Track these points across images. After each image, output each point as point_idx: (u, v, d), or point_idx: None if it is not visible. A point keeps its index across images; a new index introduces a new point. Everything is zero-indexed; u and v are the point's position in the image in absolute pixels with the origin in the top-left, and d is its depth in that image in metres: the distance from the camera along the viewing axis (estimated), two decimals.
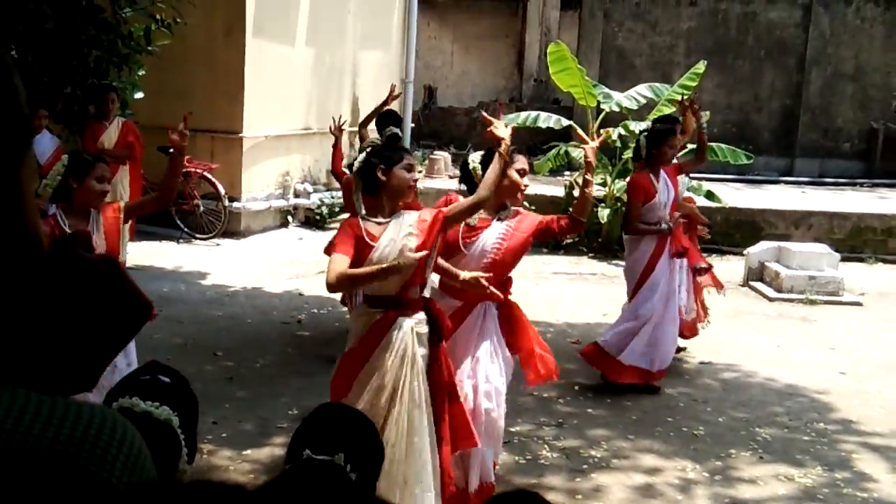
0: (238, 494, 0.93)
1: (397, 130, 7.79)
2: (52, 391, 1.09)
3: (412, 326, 4.14)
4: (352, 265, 3.99)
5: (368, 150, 4.38)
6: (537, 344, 4.93)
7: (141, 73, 8.97)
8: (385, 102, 8.36)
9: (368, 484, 2.31)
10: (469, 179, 4.69)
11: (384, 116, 8.11)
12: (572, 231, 5.01)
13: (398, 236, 4.08)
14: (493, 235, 4.75)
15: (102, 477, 1.01)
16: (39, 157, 8.51)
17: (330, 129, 7.74)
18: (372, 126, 8.25)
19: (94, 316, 1.24)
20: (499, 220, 4.78)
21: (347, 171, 7.36)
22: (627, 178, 6.92)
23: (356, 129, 14.53)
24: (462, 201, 4.35)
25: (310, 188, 13.00)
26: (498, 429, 4.77)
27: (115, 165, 8.85)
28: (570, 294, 9.71)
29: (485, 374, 4.70)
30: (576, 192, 12.38)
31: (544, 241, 12.26)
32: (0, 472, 0.97)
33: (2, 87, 1.07)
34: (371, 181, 4.17)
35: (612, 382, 6.77)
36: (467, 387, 4.65)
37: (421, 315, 4.18)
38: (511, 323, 4.86)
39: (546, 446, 5.72)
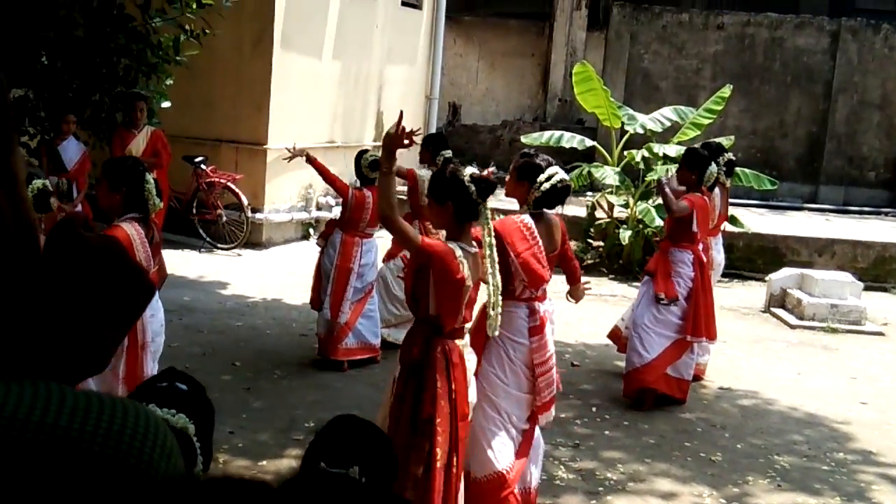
0: (264, 490, 0.93)
1: (450, 153, 7.91)
2: (62, 376, 1.09)
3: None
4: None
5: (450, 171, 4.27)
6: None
7: (169, 82, 9.03)
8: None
9: (382, 496, 2.30)
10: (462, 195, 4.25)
11: (435, 139, 8.18)
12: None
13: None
14: None
15: (141, 468, 1.02)
16: (67, 162, 8.59)
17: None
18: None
19: (97, 296, 1.24)
20: None
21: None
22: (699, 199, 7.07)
23: (379, 143, 14.59)
24: None
25: (332, 201, 13.04)
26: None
27: None
28: (589, 315, 9.66)
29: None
30: (598, 213, 12.38)
31: None
32: (37, 466, 0.98)
33: None
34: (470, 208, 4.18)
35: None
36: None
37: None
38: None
39: (562, 467, 5.69)
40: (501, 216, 4.87)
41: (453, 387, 4.15)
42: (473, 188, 4.14)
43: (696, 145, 7.63)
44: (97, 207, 8.79)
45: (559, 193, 4.88)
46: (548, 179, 4.81)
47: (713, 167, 7.07)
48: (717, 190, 7.66)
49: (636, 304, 7.19)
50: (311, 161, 7.57)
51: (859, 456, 6.27)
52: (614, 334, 7.72)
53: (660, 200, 11.54)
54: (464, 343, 4.29)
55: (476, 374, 4.60)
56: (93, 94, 8.89)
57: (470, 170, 4.29)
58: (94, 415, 1.02)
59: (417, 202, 7.23)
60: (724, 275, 11.96)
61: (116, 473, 1.01)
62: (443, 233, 4.27)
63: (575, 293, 5.38)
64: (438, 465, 4.09)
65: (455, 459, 4.17)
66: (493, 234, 4.29)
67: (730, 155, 7.93)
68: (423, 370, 4.14)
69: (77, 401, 1.03)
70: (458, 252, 4.06)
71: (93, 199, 8.93)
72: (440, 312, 4.13)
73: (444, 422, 4.12)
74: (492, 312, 4.30)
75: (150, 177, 4.76)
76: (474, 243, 4.23)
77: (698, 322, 6.93)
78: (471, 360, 4.37)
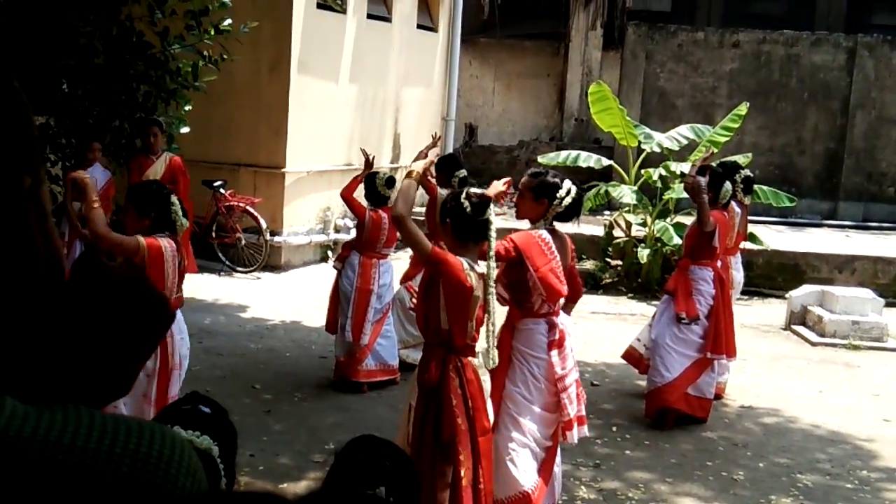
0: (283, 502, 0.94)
1: (465, 173, 7.93)
2: (88, 401, 1.12)
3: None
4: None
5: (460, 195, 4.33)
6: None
7: (188, 108, 9.12)
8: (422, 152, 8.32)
9: None
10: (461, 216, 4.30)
11: (449, 161, 8.17)
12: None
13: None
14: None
15: (167, 489, 1.04)
16: None
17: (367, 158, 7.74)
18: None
19: (120, 323, 1.27)
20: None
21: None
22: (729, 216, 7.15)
23: (396, 165, 14.65)
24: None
25: (350, 223, 13.09)
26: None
27: None
28: (608, 334, 9.65)
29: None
30: (616, 232, 12.37)
31: (583, 281, 12.23)
32: (67, 487, 1.01)
33: (14, 107, 1.10)
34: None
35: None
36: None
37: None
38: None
39: (583, 487, 5.67)
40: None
41: (470, 403, 4.17)
42: (468, 205, 4.20)
43: (713, 163, 7.64)
44: (121, 232, 8.89)
45: (578, 206, 4.92)
46: (567, 193, 4.83)
47: (728, 185, 7.09)
48: (737, 208, 7.66)
49: (655, 323, 7.17)
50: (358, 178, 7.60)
51: (883, 474, 6.21)
52: (629, 354, 7.69)
53: (679, 218, 11.56)
54: (478, 363, 4.31)
55: (499, 395, 4.61)
56: (113, 120, 8.98)
57: (474, 190, 4.35)
58: (122, 438, 1.05)
59: (434, 218, 7.25)
60: (743, 292, 11.90)
61: (143, 494, 1.03)
62: None
63: (568, 310, 5.36)
64: (464, 483, 4.10)
65: (480, 476, 4.18)
66: (494, 253, 4.31)
67: (747, 172, 7.91)
68: (441, 391, 4.15)
69: (105, 424, 1.06)
70: (465, 265, 4.11)
71: (116, 225, 9.02)
72: (451, 326, 4.16)
73: (465, 440, 4.12)
74: (486, 343, 4.32)
75: (175, 198, 4.84)
76: (481, 263, 4.25)
77: (718, 339, 6.91)
78: (485, 379, 4.39)
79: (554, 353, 4.75)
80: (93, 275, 1.30)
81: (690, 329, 6.88)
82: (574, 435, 4.80)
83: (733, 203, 7.52)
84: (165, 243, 4.71)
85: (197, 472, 1.09)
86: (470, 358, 4.26)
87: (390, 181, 7.47)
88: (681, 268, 7.14)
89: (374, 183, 7.45)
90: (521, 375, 4.74)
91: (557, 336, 4.78)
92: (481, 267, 4.23)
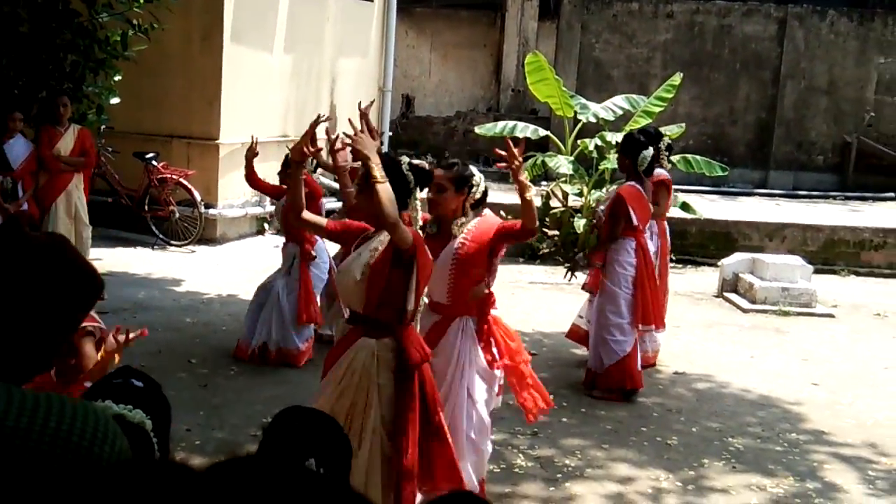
0: (191, 474, 0.92)
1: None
2: (10, 374, 1.09)
3: (374, 350, 4.04)
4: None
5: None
6: (528, 374, 4.97)
7: (117, 78, 8.92)
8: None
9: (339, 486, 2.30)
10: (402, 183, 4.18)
11: None
12: (526, 237, 4.92)
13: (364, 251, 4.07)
14: (450, 251, 4.70)
15: (90, 466, 1.03)
16: (13, 161, 8.42)
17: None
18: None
19: (42, 293, 1.23)
20: (453, 236, 4.73)
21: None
22: (622, 187, 7.04)
23: (334, 136, 14.55)
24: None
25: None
26: (482, 451, 4.80)
27: (70, 173, 8.70)
28: (546, 304, 9.73)
29: (465, 392, 4.70)
30: (553, 202, 12.44)
31: (520, 251, 12.30)
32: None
33: None
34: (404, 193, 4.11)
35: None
36: (450, 407, 4.63)
37: (388, 341, 4.06)
38: (489, 339, 4.84)
39: (521, 455, 5.73)
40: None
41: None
42: (412, 176, 4.14)
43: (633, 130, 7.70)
44: (42, 207, 8.69)
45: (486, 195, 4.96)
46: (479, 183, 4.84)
47: (648, 151, 7.01)
48: (665, 174, 7.69)
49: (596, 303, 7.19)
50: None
51: (811, 436, 6.38)
52: (574, 332, 7.71)
53: (614, 188, 11.66)
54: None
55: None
56: (39, 91, 8.75)
57: (406, 159, 4.29)
58: (42, 415, 1.03)
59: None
60: (677, 260, 12.12)
61: (65, 471, 1.01)
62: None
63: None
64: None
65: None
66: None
67: (668, 139, 7.90)
68: (422, 369, 4.13)
69: (25, 401, 1.04)
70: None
71: (38, 199, 8.81)
72: (416, 304, 4.14)
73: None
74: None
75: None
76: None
77: (646, 310, 6.99)
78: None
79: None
80: (13, 243, 1.26)
81: (621, 303, 6.92)
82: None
83: (660, 170, 7.55)
84: None
85: (122, 450, 1.08)
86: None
87: (317, 166, 7.51)
88: (602, 241, 7.20)
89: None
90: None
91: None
92: None
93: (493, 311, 4.95)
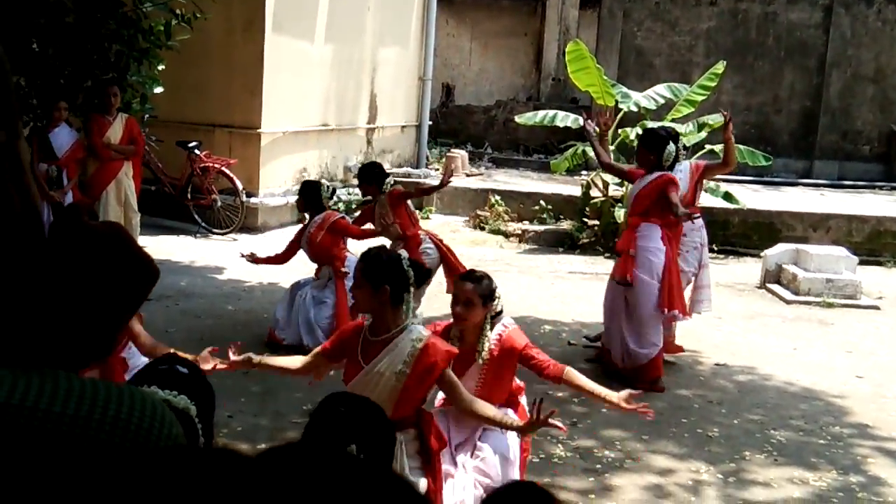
0: (243, 461, 0.93)
1: (393, 181, 7.90)
2: (67, 362, 1.11)
3: (401, 440, 3.89)
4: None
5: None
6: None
7: (161, 67, 9.01)
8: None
9: (387, 466, 2.32)
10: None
11: (374, 169, 7.88)
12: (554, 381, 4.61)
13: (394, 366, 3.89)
14: (474, 374, 4.49)
15: (151, 446, 1.05)
16: (58, 149, 8.57)
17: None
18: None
19: (102, 282, 1.25)
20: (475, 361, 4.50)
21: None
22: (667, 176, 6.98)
23: (373, 125, 14.60)
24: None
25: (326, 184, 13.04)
26: None
27: (120, 160, 8.88)
28: (585, 293, 9.69)
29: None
30: (593, 192, 12.38)
31: (559, 241, 12.26)
32: (45, 453, 1.00)
33: None
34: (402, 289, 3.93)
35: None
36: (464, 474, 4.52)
37: (413, 431, 3.99)
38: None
39: (560, 445, 5.72)
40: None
41: None
42: (411, 273, 3.95)
43: (653, 126, 7.67)
44: (93, 195, 8.83)
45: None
46: None
47: (671, 147, 6.97)
48: (689, 166, 7.67)
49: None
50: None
51: (855, 429, 6.31)
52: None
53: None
54: None
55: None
56: (84, 80, 8.86)
57: (405, 254, 4.16)
58: (101, 403, 1.04)
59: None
60: (719, 251, 12.02)
61: (121, 458, 1.03)
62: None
63: None
64: None
65: None
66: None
67: (683, 141, 7.89)
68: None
69: (84, 389, 1.05)
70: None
71: (83, 186, 8.95)
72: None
73: None
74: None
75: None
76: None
77: (672, 296, 6.97)
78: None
79: None
80: (74, 232, 1.28)
81: (650, 292, 6.89)
82: None
83: (688, 162, 7.58)
84: None
85: (177, 435, 1.09)
86: None
87: (333, 192, 7.64)
88: (631, 226, 7.12)
89: (319, 192, 7.45)
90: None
91: None
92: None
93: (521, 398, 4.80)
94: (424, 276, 4.26)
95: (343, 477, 0.88)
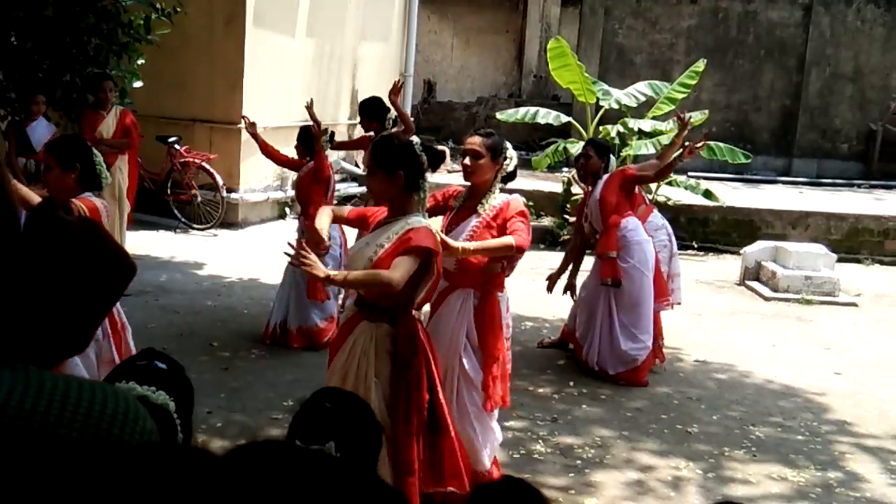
0: (205, 459, 0.91)
1: (395, 114, 7.93)
2: (43, 357, 1.09)
3: (373, 335, 3.95)
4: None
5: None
6: (505, 362, 4.87)
7: (140, 61, 8.95)
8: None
9: (364, 467, 2.30)
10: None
11: (376, 104, 8.06)
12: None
13: (373, 240, 3.98)
14: (467, 226, 4.70)
15: (118, 444, 1.03)
16: (36, 143, 8.49)
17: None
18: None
19: (77, 277, 1.23)
20: (476, 213, 4.72)
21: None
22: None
23: (356, 121, 14.56)
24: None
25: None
26: (490, 429, 4.80)
27: (114, 154, 8.82)
28: None
29: (464, 373, 4.69)
30: (574, 189, 12.40)
31: (541, 238, 12.27)
32: (16, 449, 0.98)
33: None
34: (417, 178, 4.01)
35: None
36: (450, 390, 4.60)
37: (387, 327, 3.98)
38: (485, 319, 4.79)
39: (540, 442, 5.73)
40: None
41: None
42: (424, 158, 4.03)
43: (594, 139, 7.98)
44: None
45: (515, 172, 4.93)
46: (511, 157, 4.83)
47: (613, 159, 7.33)
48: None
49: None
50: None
51: (833, 426, 6.34)
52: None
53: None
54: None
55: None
56: (63, 74, 8.79)
57: (417, 140, 4.22)
58: (73, 400, 1.03)
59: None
60: (699, 248, 12.08)
61: (93, 455, 1.01)
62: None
63: None
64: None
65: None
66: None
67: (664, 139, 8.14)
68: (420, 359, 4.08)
69: (55, 386, 1.04)
70: (433, 229, 4.06)
71: None
72: (423, 302, 4.14)
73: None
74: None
75: (97, 151, 4.79)
76: (426, 215, 4.16)
77: (661, 285, 7.12)
78: None
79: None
80: (49, 227, 1.26)
81: (648, 284, 6.96)
82: None
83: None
84: (99, 203, 4.62)
85: (149, 430, 1.08)
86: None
87: (332, 136, 7.61)
88: (612, 227, 7.02)
89: (312, 136, 7.39)
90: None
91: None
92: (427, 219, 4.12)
93: (499, 294, 4.89)
94: (439, 159, 4.23)
95: (309, 476, 0.87)
